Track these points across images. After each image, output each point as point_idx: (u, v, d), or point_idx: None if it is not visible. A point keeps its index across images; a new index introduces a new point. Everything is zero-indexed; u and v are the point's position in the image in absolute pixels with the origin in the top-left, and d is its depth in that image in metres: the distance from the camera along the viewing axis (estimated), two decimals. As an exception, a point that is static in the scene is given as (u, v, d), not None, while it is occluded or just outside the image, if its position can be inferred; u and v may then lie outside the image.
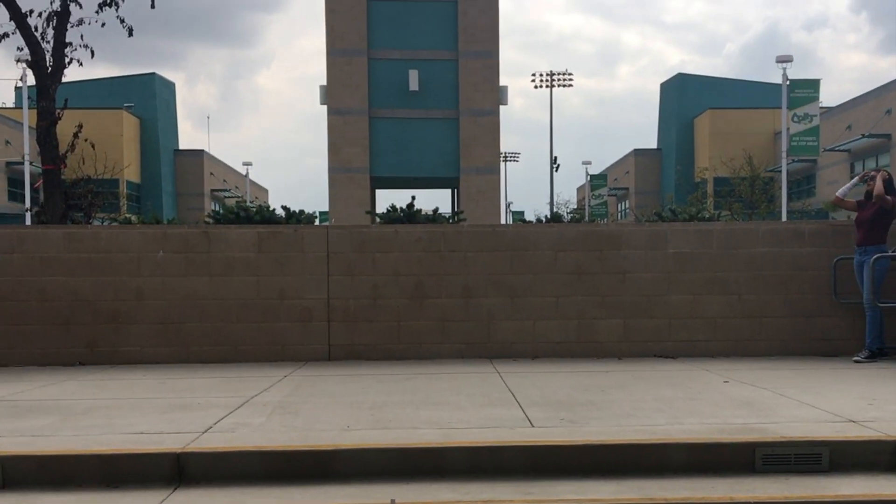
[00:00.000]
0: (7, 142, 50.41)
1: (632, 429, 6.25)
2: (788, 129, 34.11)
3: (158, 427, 6.52)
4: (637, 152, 75.11)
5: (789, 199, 40.08)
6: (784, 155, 34.25)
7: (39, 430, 6.45)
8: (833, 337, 11.04)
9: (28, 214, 26.59)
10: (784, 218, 34.32)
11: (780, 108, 34.54)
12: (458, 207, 41.80)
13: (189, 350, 10.90)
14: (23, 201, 38.71)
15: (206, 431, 6.32)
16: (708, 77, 73.77)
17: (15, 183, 50.71)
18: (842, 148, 51.79)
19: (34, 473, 5.62)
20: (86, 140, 16.29)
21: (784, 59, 33.71)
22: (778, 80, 35.69)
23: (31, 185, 32.54)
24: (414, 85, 45.43)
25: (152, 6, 15.72)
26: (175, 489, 5.51)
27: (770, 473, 5.67)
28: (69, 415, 7.10)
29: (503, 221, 56.31)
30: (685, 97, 69.64)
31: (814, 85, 34.72)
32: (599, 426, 6.37)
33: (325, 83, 46.23)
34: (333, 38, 45.85)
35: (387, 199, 68.67)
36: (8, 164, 50.79)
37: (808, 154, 36.90)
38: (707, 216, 25.27)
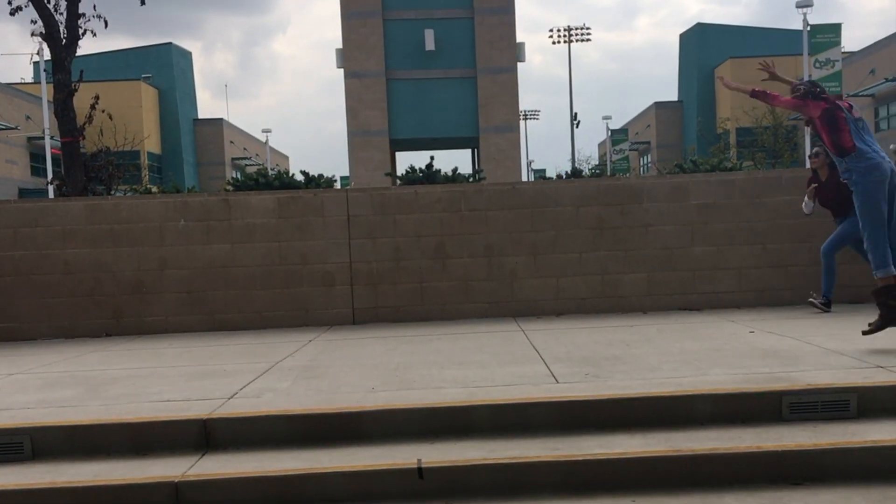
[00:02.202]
0: (27, 117, 50.57)
1: (657, 382, 6.22)
2: (810, 75, 33.74)
3: (185, 394, 6.55)
4: (658, 105, 74.41)
5: (813, 146, 39.65)
6: (806, 102, 33.89)
7: (67, 401, 6.49)
8: (860, 284, 10.91)
9: (50, 188, 26.71)
10: (808, 166, 34.05)
11: (802, 54, 34.16)
12: (478, 167, 41.67)
13: (214, 318, 10.95)
14: (45, 176, 38.95)
15: (232, 397, 6.34)
16: (728, 26, 72.75)
17: (37, 158, 50.93)
18: (865, 93, 51.05)
19: (63, 443, 5.66)
20: (103, 111, 16.32)
21: (804, 4, 33.29)
22: (798, 26, 35.29)
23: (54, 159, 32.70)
24: (430, 45, 45.07)
25: None
26: (203, 455, 5.54)
27: (798, 422, 5.63)
28: (96, 385, 7.15)
29: (524, 179, 56.10)
30: (705, 47, 68.80)
31: (835, 30, 34.34)
32: (625, 380, 6.34)
33: (341, 46, 46.00)
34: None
35: (407, 161, 68.54)
36: (29, 139, 50.98)
37: (831, 100, 36.46)
38: (729, 166, 25.14)
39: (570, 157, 70.42)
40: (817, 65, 34.08)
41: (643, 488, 5.08)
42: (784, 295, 10.93)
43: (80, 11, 15.15)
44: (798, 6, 33.52)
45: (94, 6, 15.52)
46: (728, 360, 6.99)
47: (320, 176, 21.34)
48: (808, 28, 33.47)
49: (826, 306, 10.10)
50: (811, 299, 10.24)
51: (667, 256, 11.00)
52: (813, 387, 5.78)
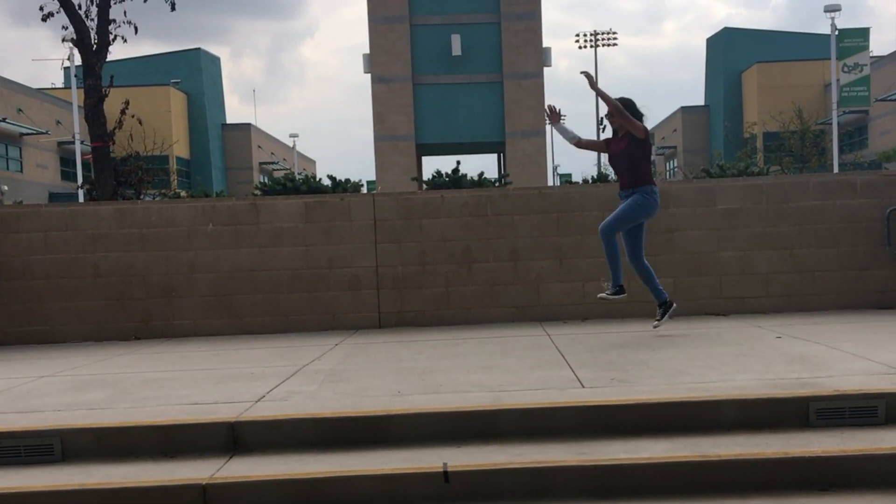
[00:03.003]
0: (58, 122, 51.04)
1: (683, 387, 6.21)
2: (838, 79, 33.60)
3: (213, 397, 6.60)
4: (684, 110, 74.13)
5: (841, 151, 39.50)
6: (834, 107, 33.75)
7: (97, 403, 6.56)
8: (888, 289, 10.88)
9: (80, 192, 26.93)
10: (836, 170, 33.82)
11: (830, 59, 33.95)
12: (504, 172, 41.67)
13: (241, 321, 11.02)
14: (75, 180, 39.31)
15: (259, 400, 6.39)
16: (755, 30, 72.44)
17: (67, 162, 51.39)
18: (894, 97, 50.70)
19: (92, 445, 5.72)
20: (133, 116, 16.47)
21: (832, 9, 33.13)
22: (826, 30, 35.15)
23: (82, 159, 32.93)
24: (457, 50, 45.18)
25: None
26: (231, 457, 5.58)
27: (824, 428, 5.61)
28: (126, 388, 7.22)
29: (550, 184, 56.03)
30: (732, 52, 68.48)
31: (863, 34, 34.15)
32: (651, 385, 6.34)
33: (368, 52, 46.16)
34: (375, 5, 45.70)
35: (433, 165, 68.65)
36: (59, 143, 51.45)
37: (859, 105, 36.37)
38: (756, 171, 25.04)
39: (595, 161, 70.25)
40: (845, 69, 33.88)
41: (669, 493, 5.08)
42: (811, 300, 10.87)
43: (111, 17, 15.31)
44: (826, 10, 33.34)
45: (125, 12, 15.69)
46: (755, 365, 6.97)
47: (347, 180, 21.42)
48: (837, 32, 33.29)
49: (619, 292, 9.17)
50: (601, 294, 9.35)
51: (693, 261, 10.97)
52: (840, 393, 5.75)
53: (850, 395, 5.73)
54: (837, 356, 7.21)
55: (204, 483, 5.16)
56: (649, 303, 10.90)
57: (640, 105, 9.09)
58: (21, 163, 48.69)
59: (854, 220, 10.90)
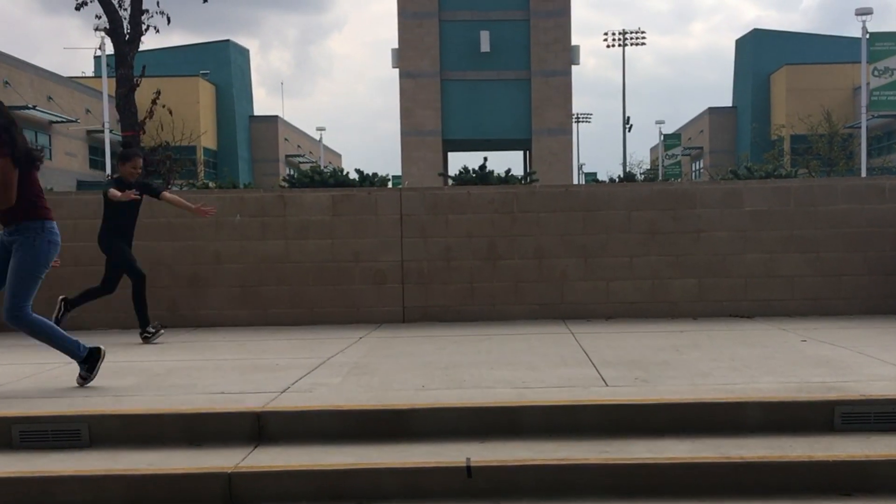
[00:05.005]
0: (87, 110, 51.38)
1: (707, 388, 6.21)
2: (868, 83, 33.36)
3: (239, 387, 6.64)
4: (712, 111, 73.78)
5: (869, 155, 39.17)
6: (863, 110, 33.50)
7: (124, 391, 6.62)
8: (912, 295, 10.80)
9: (109, 181, 27.10)
10: (864, 175, 33.58)
11: (860, 62, 33.73)
12: (529, 169, 41.64)
13: (267, 312, 11.07)
14: (104, 168, 39.56)
15: (284, 391, 6.43)
16: (784, 32, 72.07)
17: (96, 151, 51.77)
18: (925, 102, 50.20)
19: (119, 432, 5.77)
20: (163, 106, 16.57)
21: (864, 12, 32.88)
22: (857, 33, 34.94)
23: (113, 153, 33.10)
24: (485, 46, 45.19)
25: None
26: (255, 447, 5.62)
27: (850, 432, 5.58)
28: (152, 376, 7.28)
29: (575, 182, 55.93)
30: (761, 53, 68.11)
31: (894, 38, 33.87)
32: (674, 385, 6.34)
33: (396, 46, 46.23)
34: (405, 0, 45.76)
35: (459, 161, 68.38)
36: (88, 132, 51.80)
37: (889, 109, 36.10)
38: (784, 173, 24.93)
39: (621, 160, 70.12)
40: (876, 73, 33.68)
41: (691, 494, 5.07)
42: (837, 305, 10.82)
43: (144, 8, 15.42)
44: (857, 13, 33.11)
45: (158, 2, 15.79)
46: (779, 368, 6.96)
47: (374, 174, 21.41)
48: (867, 36, 33.04)
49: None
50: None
51: (718, 262, 10.94)
52: (866, 397, 5.73)
53: (877, 400, 5.71)
54: (863, 361, 7.18)
55: (230, 472, 5.19)
56: (671, 303, 10.91)
57: None
58: (50, 151, 49.03)
59: (882, 225, 10.83)
